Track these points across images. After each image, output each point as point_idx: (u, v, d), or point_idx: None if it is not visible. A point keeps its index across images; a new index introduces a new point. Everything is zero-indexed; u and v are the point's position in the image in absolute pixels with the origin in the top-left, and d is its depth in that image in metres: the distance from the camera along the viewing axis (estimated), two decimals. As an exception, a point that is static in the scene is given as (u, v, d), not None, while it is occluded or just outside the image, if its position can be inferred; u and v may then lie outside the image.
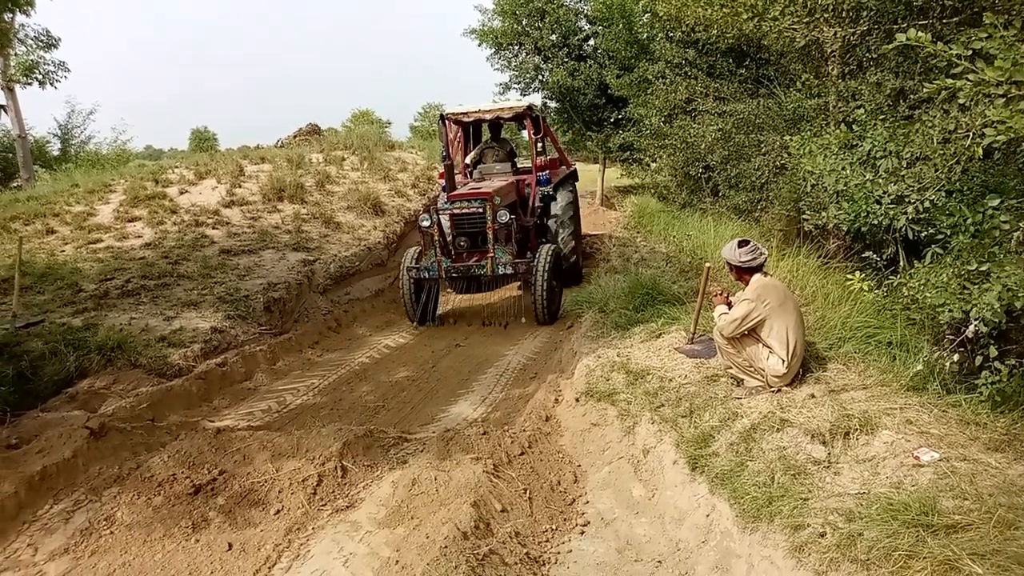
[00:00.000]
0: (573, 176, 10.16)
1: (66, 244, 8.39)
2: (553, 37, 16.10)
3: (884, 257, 5.09)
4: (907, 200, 3.92)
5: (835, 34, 5.51)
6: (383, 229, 10.45)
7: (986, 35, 2.81)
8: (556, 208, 8.87)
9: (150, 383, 5.49)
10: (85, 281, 7.17)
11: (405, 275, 7.81)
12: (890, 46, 3.17)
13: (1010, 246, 3.37)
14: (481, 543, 3.05)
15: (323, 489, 3.77)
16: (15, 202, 9.93)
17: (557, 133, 16.80)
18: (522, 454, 4.08)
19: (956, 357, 3.75)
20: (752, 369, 3.96)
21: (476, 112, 9.03)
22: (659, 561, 3.14)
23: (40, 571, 3.27)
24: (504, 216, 7.59)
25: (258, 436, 4.30)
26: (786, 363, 3.82)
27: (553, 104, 16.90)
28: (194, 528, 3.50)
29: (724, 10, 5.88)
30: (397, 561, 3.06)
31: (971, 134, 3.54)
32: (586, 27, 16.33)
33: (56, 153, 21.96)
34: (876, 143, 4.26)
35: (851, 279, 4.40)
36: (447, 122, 9.02)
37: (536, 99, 16.18)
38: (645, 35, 13.50)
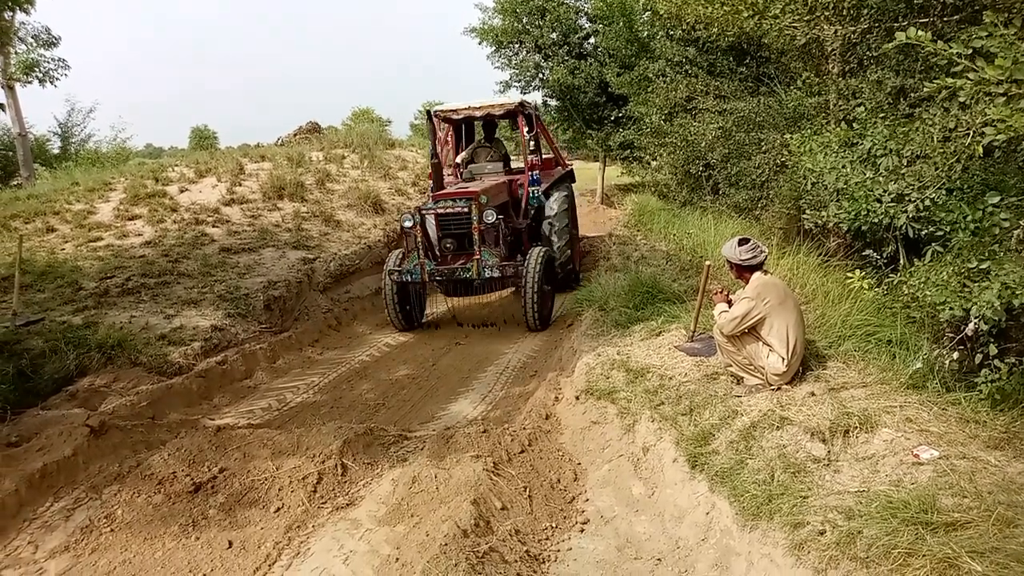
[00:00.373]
0: (569, 177, 9.92)
1: (66, 242, 8.39)
2: (553, 35, 16.08)
3: (884, 255, 5.08)
4: (907, 198, 3.91)
5: (836, 32, 5.50)
6: (383, 227, 10.44)
7: (986, 33, 2.81)
8: (549, 210, 8.56)
9: (150, 381, 5.50)
10: (85, 279, 7.17)
11: (387, 279, 7.43)
12: (891, 44, 3.17)
13: (1010, 244, 3.37)
14: (481, 541, 3.05)
15: (323, 487, 3.78)
16: (15, 200, 9.92)
17: (557, 131, 16.78)
18: (522, 452, 4.08)
19: (956, 355, 3.75)
20: (752, 367, 3.96)
21: (466, 109, 8.68)
22: (659, 559, 3.14)
23: (40, 569, 3.28)
24: (491, 216, 7.24)
25: (258, 434, 4.30)
26: (786, 361, 3.82)
27: (554, 102, 16.88)
28: (194, 526, 3.51)
29: (724, 8, 5.86)
30: (397, 559, 3.07)
31: (971, 132, 3.54)
32: (586, 25, 16.30)
33: (56, 151, 22.00)
34: (876, 141, 4.25)
35: (851, 277, 4.39)
36: (437, 120, 8.79)
37: (536, 97, 16.15)
38: (645, 33, 13.46)
